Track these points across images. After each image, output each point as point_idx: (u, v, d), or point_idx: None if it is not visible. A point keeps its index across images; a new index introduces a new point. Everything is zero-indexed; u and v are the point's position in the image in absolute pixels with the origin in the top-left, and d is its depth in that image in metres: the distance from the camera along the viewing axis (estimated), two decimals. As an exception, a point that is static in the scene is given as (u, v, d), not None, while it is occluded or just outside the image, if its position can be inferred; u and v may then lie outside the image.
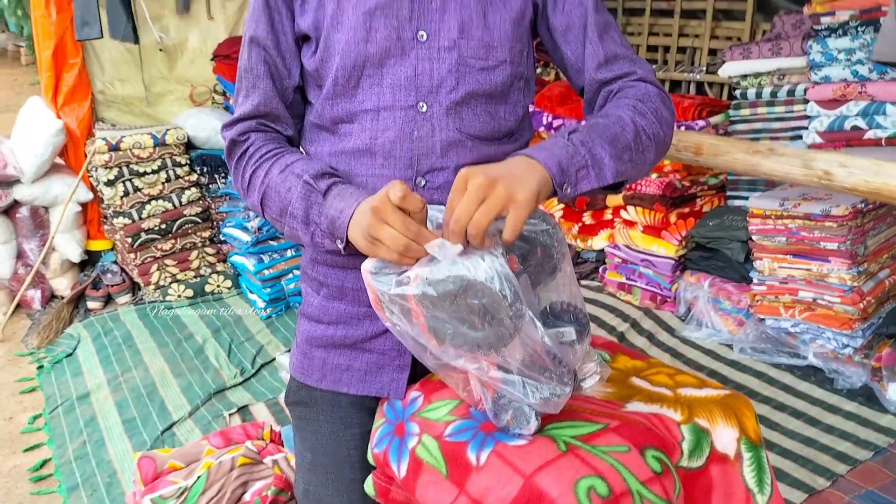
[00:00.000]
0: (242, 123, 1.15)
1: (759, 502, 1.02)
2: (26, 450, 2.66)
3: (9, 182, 3.66)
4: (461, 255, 0.92)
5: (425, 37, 1.08)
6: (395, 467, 1.07)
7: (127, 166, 3.67)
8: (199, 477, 1.86)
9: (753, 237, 2.89)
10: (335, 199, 1.03)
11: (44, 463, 2.58)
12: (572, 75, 1.19)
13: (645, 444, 0.96)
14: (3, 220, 3.64)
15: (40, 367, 3.19)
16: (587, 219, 3.64)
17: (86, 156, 3.76)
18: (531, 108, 1.17)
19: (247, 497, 1.80)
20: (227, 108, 4.20)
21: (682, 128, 3.13)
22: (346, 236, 1.01)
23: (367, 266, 0.98)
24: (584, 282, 3.62)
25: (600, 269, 3.57)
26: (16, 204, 3.71)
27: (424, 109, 1.08)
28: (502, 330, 0.91)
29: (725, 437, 1.03)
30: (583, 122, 1.08)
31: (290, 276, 3.62)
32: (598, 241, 3.55)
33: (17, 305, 3.66)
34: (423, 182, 1.11)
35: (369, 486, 1.15)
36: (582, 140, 1.02)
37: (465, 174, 0.91)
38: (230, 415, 2.76)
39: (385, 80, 1.08)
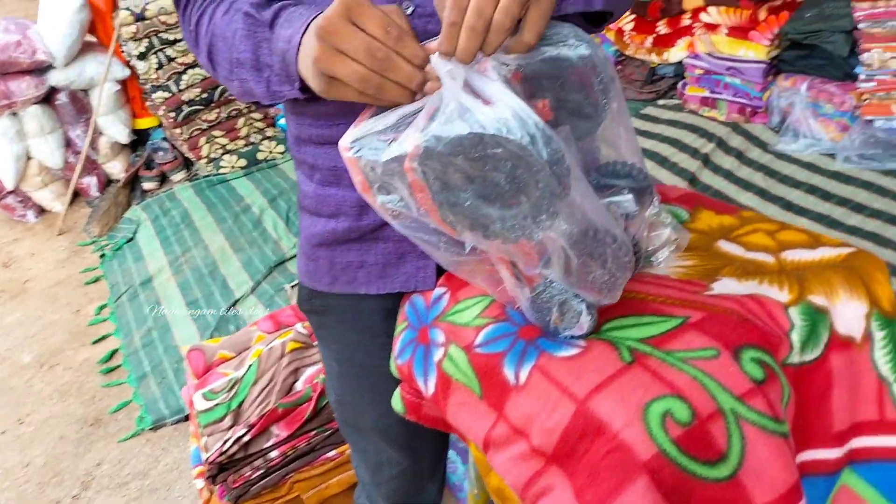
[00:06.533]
0: None
1: (898, 394, 0.77)
2: (95, 341, 2.64)
3: (42, 69, 3.48)
4: (469, 99, 0.64)
5: None
6: (422, 383, 0.87)
7: (156, 35, 3.43)
8: (249, 367, 1.75)
9: (859, 25, 2.48)
10: (282, 27, 0.74)
11: (113, 353, 2.55)
12: None
13: (740, 342, 0.71)
14: (44, 110, 3.50)
15: (102, 256, 3.15)
16: (662, 28, 3.19)
17: (114, 29, 3.52)
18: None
19: (298, 386, 1.68)
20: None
21: None
22: (298, 71, 0.72)
23: (344, 141, 0.72)
24: (661, 101, 3.25)
25: (679, 85, 3.18)
26: (53, 91, 3.55)
27: None
28: (539, 200, 0.65)
29: (849, 314, 0.76)
30: None
31: (342, 132, 3.39)
32: (676, 53, 3.13)
33: (76, 194, 3.59)
34: (410, 7, 0.81)
35: (397, 401, 0.95)
36: None
37: None
38: (292, 287, 2.65)
39: None
